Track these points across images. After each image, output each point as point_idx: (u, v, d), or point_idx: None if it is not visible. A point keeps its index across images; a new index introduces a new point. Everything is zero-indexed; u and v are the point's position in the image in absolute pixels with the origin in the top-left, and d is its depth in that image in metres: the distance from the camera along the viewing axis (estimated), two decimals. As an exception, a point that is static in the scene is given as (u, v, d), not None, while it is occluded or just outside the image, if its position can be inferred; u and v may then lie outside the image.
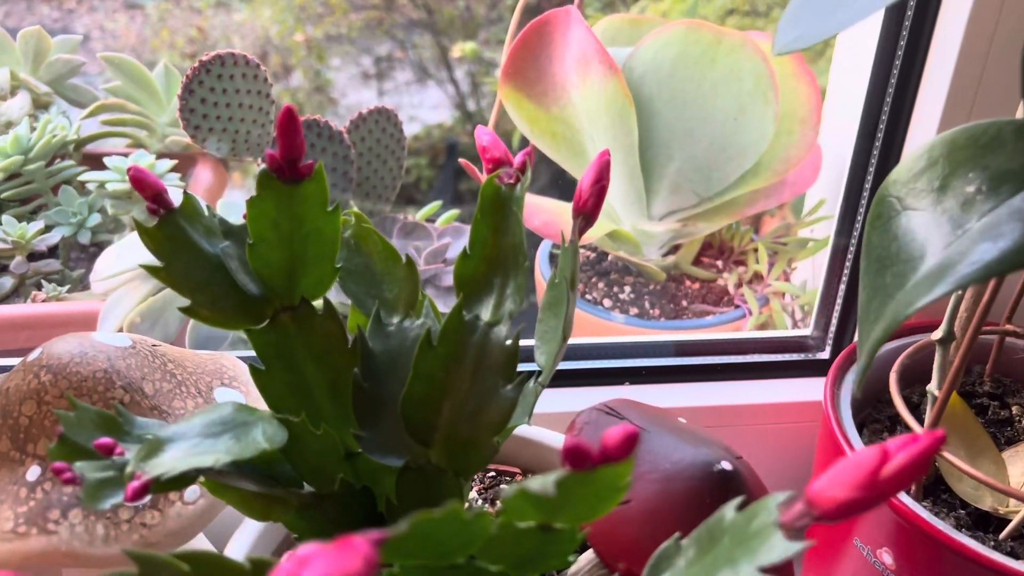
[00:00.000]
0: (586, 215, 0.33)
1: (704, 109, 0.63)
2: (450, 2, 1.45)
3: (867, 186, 0.51)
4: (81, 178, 0.64)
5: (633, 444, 0.19)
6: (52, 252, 0.67)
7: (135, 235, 0.54)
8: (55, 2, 1.29)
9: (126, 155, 0.69)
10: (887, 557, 0.41)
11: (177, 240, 0.31)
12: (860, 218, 0.52)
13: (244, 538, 0.35)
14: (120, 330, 0.52)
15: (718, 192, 0.66)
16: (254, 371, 0.32)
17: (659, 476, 0.30)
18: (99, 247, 0.68)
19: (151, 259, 0.46)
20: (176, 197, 0.32)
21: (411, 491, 0.31)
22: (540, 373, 0.33)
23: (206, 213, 0.32)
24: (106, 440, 0.28)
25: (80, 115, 0.75)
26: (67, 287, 0.60)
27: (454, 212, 0.73)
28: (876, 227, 0.30)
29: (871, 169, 0.50)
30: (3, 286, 0.61)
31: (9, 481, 0.33)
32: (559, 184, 0.76)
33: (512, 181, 0.33)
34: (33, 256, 0.62)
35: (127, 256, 0.51)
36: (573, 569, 0.30)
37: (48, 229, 0.65)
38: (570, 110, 0.68)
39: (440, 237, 0.71)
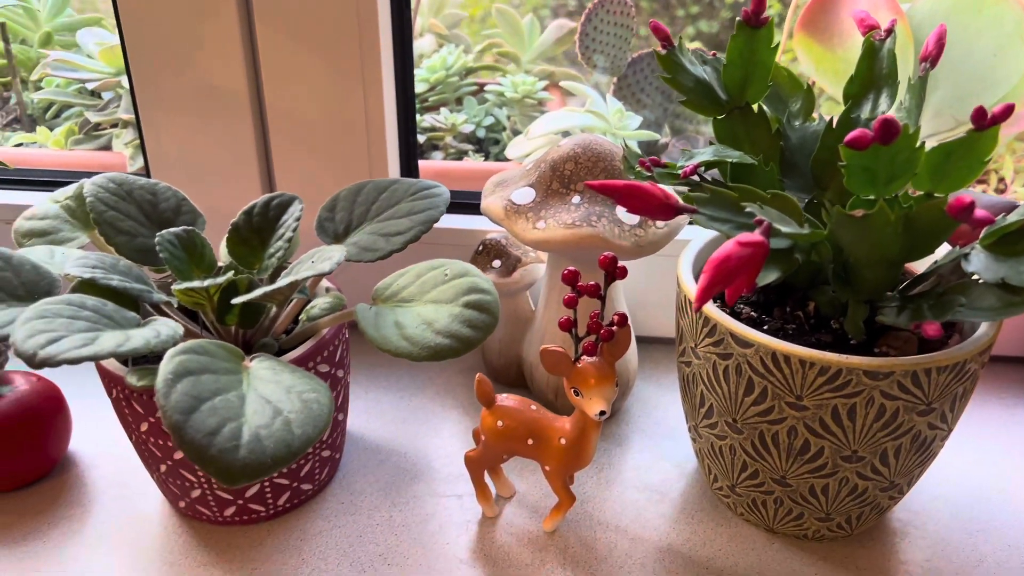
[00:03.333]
0: (932, 59, 0.51)
1: (968, 48, 0.78)
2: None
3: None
4: (488, 88, 0.88)
5: (1011, 110, 0.37)
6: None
7: (553, 114, 0.76)
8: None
9: (504, 76, 0.92)
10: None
11: (676, 63, 0.51)
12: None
13: (695, 245, 0.54)
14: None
15: (972, 118, 0.81)
16: (711, 144, 0.52)
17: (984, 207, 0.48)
18: (481, 142, 0.92)
19: (569, 124, 0.67)
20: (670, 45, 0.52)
21: (813, 214, 0.50)
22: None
23: (687, 57, 0.53)
24: (652, 158, 0.49)
25: (466, 50, 1.00)
26: (491, 159, 0.84)
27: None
28: None
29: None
30: (436, 157, 0.85)
31: (562, 204, 0.55)
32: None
33: (882, 38, 0.51)
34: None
35: (551, 124, 0.73)
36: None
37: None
38: (853, 51, 0.85)
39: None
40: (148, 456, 0.51)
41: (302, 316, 0.54)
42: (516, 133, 0.90)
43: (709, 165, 0.47)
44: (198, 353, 0.41)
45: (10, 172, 0.75)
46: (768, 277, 0.40)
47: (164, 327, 0.43)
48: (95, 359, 0.39)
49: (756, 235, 0.36)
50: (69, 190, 0.58)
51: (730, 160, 0.46)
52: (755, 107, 0.52)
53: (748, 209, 0.39)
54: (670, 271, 0.67)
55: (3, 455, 0.54)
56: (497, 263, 0.63)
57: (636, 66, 0.83)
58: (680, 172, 0.46)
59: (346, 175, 0.67)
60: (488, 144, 0.91)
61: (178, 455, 0.49)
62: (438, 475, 0.58)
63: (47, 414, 0.56)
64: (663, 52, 0.51)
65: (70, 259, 0.48)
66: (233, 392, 0.40)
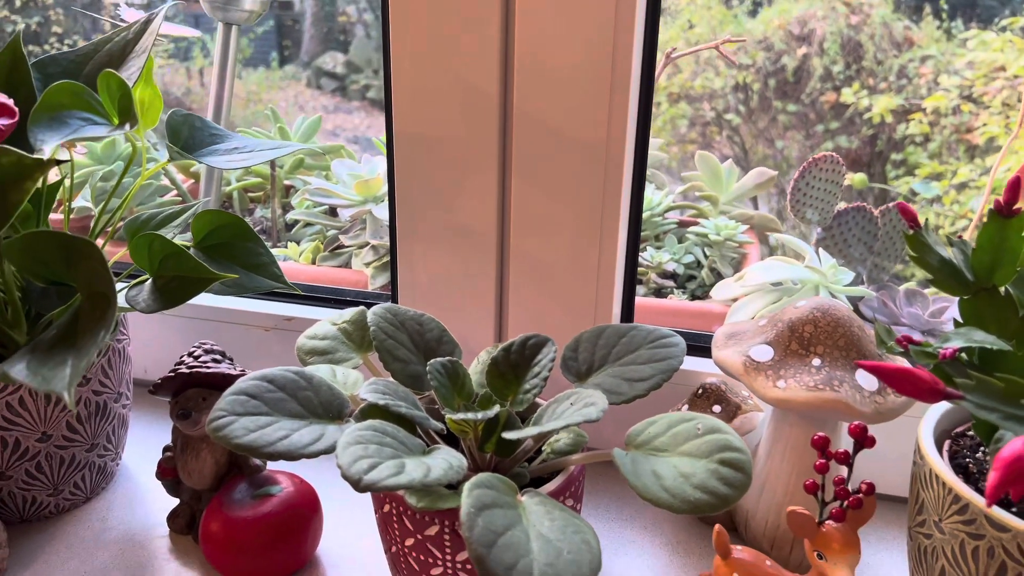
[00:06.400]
0: None
1: None
2: (767, 144, 1.66)
3: None
4: (691, 230, 0.92)
5: None
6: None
7: (769, 263, 0.79)
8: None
9: (704, 217, 0.97)
10: None
11: (923, 244, 0.54)
12: None
13: (933, 415, 0.55)
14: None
15: None
16: (957, 324, 0.54)
17: None
18: (676, 277, 0.96)
19: (785, 276, 0.69)
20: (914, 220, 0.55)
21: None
22: None
23: (932, 237, 0.55)
24: (906, 335, 0.51)
25: (666, 190, 1.06)
26: (686, 294, 0.87)
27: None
28: None
29: None
30: (639, 293, 0.90)
31: (802, 365, 0.57)
32: None
33: None
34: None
35: (766, 274, 0.76)
36: None
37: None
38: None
39: (936, 301, 0.90)
40: (404, 568, 0.56)
41: (546, 448, 0.58)
42: (713, 271, 0.93)
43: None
44: (488, 487, 0.46)
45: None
46: (1044, 473, 0.41)
47: (452, 458, 0.48)
48: (408, 487, 0.44)
49: (1043, 436, 0.37)
50: (346, 314, 0.65)
51: (987, 346, 0.48)
52: (1001, 290, 0.53)
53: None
54: (890, 425, 0.68)
55: (270, 550, 0.60)
56: (717, 408, 0.66)
57: (841, 218, 0.85)
58: (937, 353, 0.48)
59: (573, 315, 0.72)
60: (683, 279, 0.95)
61: (435, 571, 0.54)
62: (655, 613, 0.60)
63: (308, 514, 0.62)
64: (911, 233, 0.54)
65: (363, 385, 0.54)
66: (517, 527, 0.44)
